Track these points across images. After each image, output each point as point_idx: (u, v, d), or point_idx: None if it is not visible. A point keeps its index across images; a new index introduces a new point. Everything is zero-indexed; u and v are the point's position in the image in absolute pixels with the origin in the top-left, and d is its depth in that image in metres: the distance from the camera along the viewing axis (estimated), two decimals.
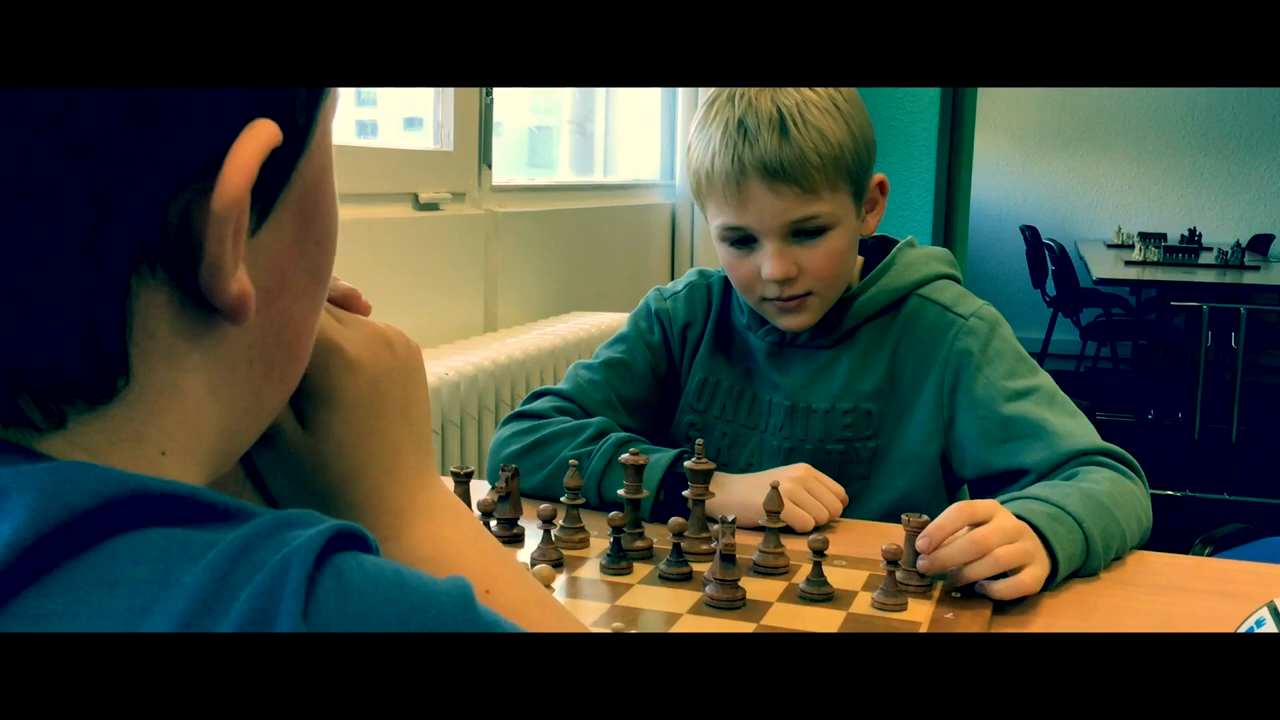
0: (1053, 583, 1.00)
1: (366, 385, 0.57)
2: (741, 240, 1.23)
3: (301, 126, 0.45)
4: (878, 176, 1.28)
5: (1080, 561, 1.03)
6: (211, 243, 0.41)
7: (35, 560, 0.36)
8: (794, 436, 1.29)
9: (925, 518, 0.99)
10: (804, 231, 1.20)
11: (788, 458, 1.28)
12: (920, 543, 0.96)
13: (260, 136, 0.42)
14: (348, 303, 0.60)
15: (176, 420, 0.44)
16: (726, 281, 1.35)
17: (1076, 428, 1.19)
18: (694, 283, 1.39)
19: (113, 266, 0.40)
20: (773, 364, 1.31)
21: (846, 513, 1.20)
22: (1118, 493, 1.10)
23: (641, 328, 1.38)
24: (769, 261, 1.20)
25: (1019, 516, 0.99)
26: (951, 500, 1.27)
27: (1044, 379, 1.25)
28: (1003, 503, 1.02)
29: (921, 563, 0.97)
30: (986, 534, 0.95)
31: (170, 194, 0.41)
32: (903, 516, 1.00)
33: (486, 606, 0.42)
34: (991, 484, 1.21)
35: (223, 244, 0.41)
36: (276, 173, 0.44)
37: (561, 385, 1.35)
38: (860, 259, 1.33)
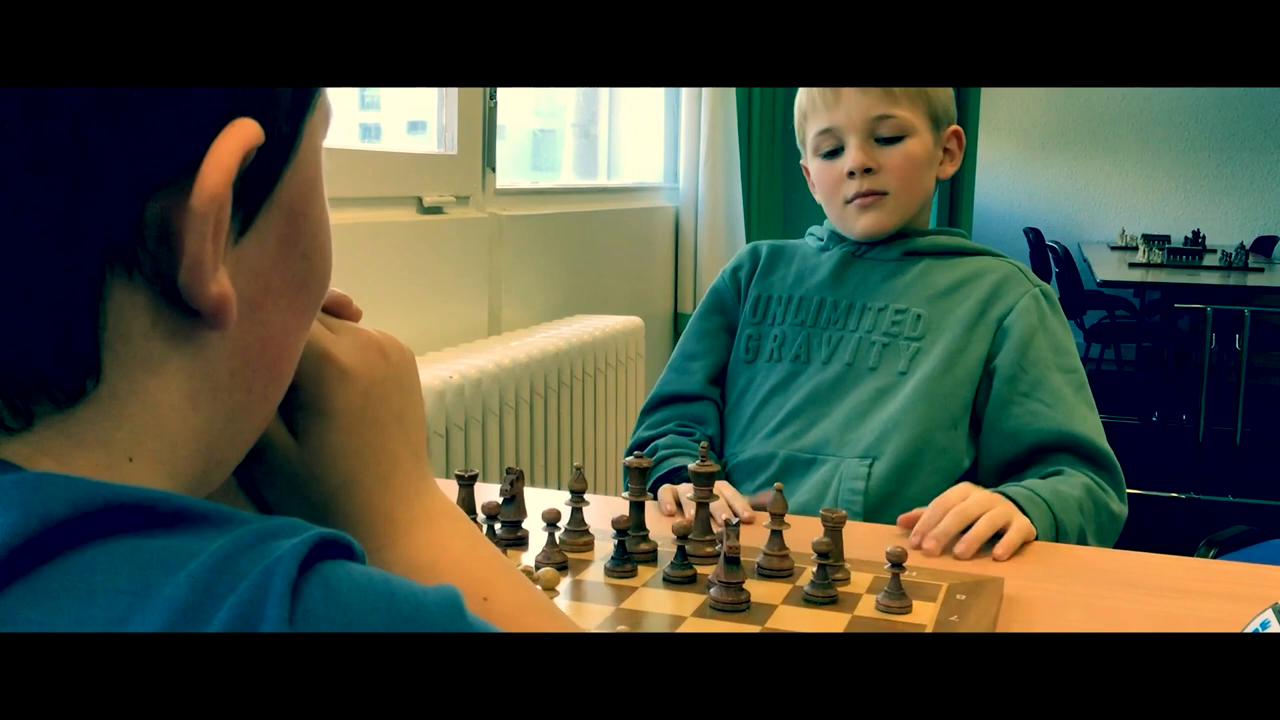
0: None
1: (360, 394, 0.56)
2: (831, 153, 1.38)
3: (286, 135, 0.45)
4: (955, 127, 1.42)
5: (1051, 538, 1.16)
6: (191, 241, 0.41)
7: (7, 573, 0.36)
8: (846, 328, 1.39)
9: (918, 511, 1.11)
10: (884, 138, 1.35)
11: (835, 349, 1.38)
12: (912, 540, 1.10)
13: (240, 135, 0.41)
14: (338, 309, 0.59)
15: (148, 427, 0.43)
16: (774, 246, 1.51)
17: (1088, 418, 1.30)
18: (746, 248, 1.54)
19: (85, 265, 0.40)
20: (839, 272, 1.42)
21: (885, 404, 1.32)
22: (1086, 496, 1.22)
23: (721, 286, 1.51)
24: (852, 155, 1.36)
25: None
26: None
27: (1080, 368, 1.35)
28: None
29: (927, 544, 1.08)
30: (966, 506, 1.11)
31: (147, 194, 0.40)
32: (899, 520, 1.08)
33: (477, 615, 0.42)
34: (989, 438, 1.32)
35: (202, 243, 0.41)
36: (260, 179, 0.44)
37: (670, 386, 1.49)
38: None
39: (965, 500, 1.11)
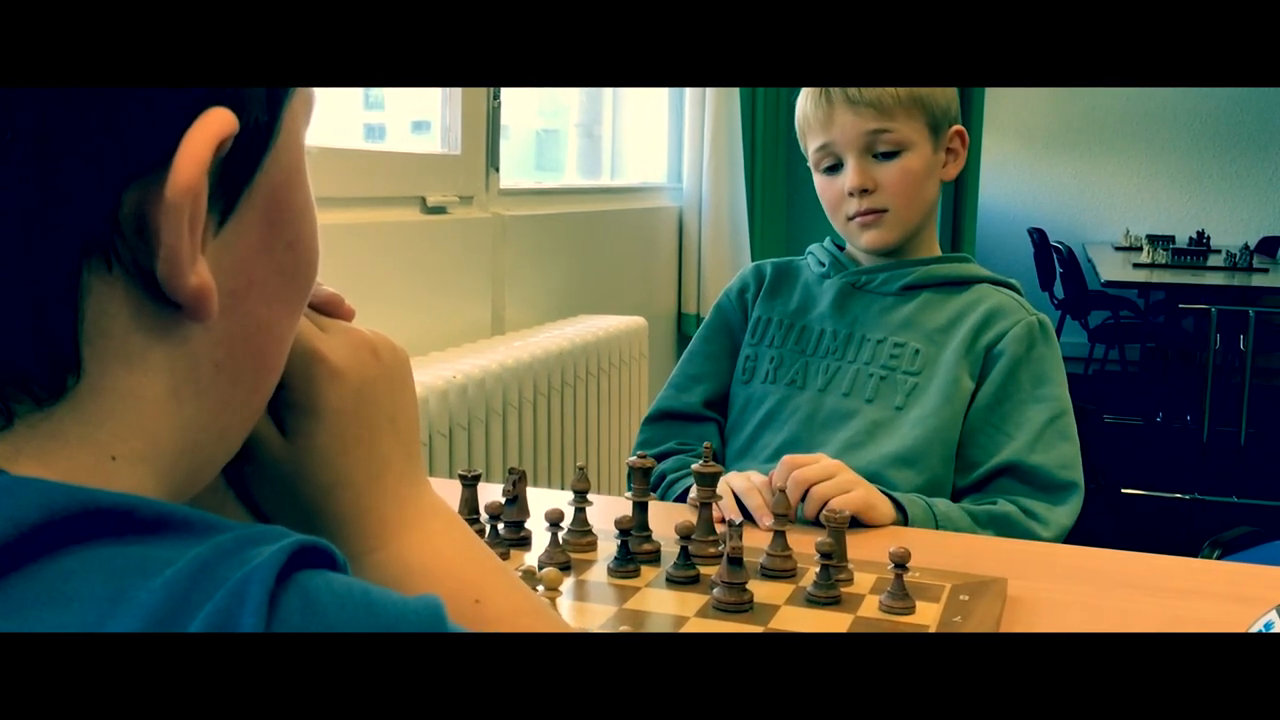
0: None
1: (351, 394, 0.55)
2: (831, 168, 1.39)
3: (264, 123, 0.44)
4: (958, 127, 1.41)
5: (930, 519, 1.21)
6: (167, 233, 0.40)
7: None
8: (844, 358, 1.39)
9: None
10: (882, 153, 1.35)
11: (832, 377, 1.38)
12: (778, 479, 1.18)
13: (214, 125, 0.40)
14: (330, 308, 0.58)
15: (131, 424, 0.42)
16: (778, 266, 1.52)
17: (1053, 446, 1.30)
18: (750, 267, 1.55)
19: (60, 259, 0.39)
20: (840, 302, 1.42)
21: (881, 439, 1.31)
22: (999, 516, 1.23)
23: (726, 305, 1.52)
24: (850, 176, 1.36)
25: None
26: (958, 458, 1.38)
27: (1060, 397, 1.34)
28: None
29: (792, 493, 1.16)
30: (805, 471, 1.17)
31: (122, 186, 0.40)
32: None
33: (460, 624, 0.41)
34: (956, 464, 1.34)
35: (178, 234, 0.40)
36: (238, 168, 0.43)
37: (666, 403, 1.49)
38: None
39: (808, 468, 1.17)
